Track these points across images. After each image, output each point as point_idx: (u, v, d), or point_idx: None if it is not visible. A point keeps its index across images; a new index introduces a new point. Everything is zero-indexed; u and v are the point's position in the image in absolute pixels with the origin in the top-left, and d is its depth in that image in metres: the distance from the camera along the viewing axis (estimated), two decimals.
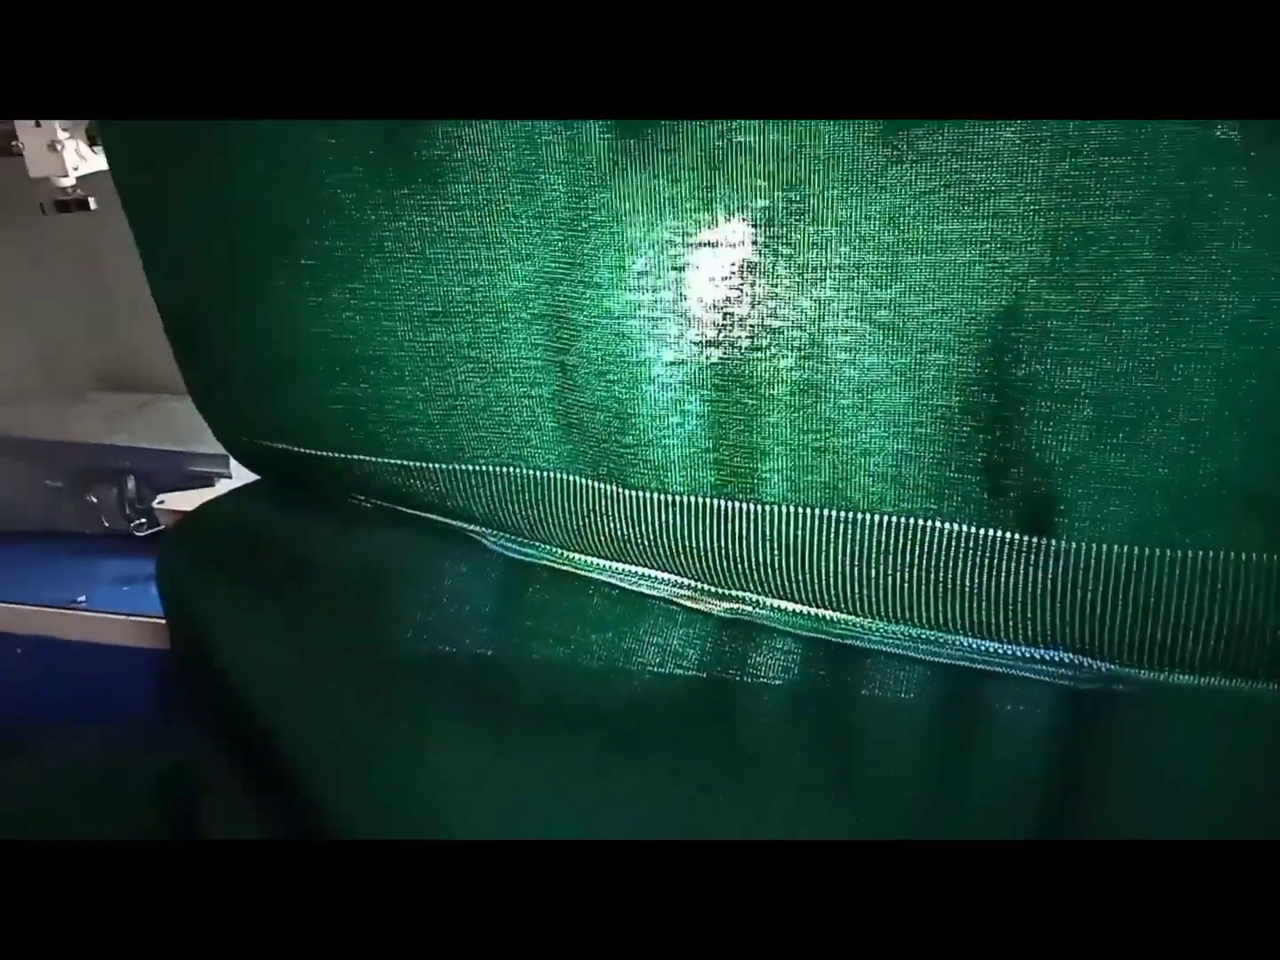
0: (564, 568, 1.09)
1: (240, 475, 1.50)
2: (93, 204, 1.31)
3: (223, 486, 1.55)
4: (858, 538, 0.90)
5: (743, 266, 0.93)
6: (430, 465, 1.09)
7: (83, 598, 1.32)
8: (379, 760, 1.03)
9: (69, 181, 1.29)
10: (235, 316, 1.06)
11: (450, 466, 1.08)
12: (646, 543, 1.01)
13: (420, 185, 0.98)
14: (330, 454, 1.10)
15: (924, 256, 0.88)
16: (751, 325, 0.95)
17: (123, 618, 1.30)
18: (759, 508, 0.94)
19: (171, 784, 1.02)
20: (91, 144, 1.28)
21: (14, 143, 1.26)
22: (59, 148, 1.26)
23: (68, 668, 1.28)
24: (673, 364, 0.98)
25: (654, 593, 1.04)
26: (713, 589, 1.01)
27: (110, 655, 1.29)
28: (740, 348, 0.95)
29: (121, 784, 1.11)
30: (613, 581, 1.06)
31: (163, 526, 1.48)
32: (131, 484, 1.63)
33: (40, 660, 1.30)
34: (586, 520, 1.03)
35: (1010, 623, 0.87)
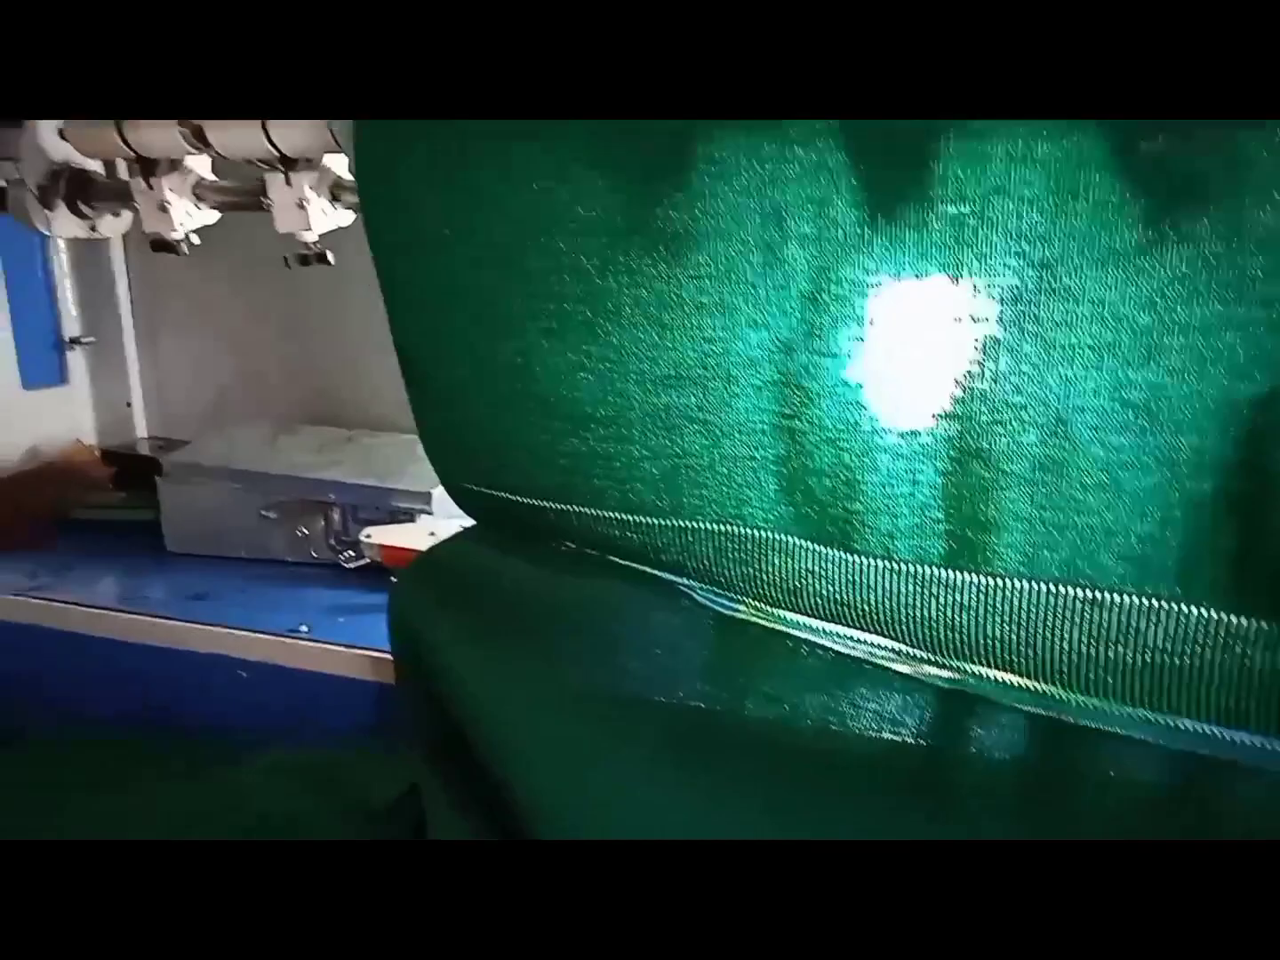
0: (776, 626, 1.10)
1: (439, 511, 1.57)
2: (331, 259, 1.39)
3: (423, 522, 1.63)
4: (1096, 617, 0.89)
5: (987, 342, 0.94)
6: (650, 520, 1.12)
7: (305, 628, 1.39)
8: (592, 801, 1.06)
9: (312, 237, 1.38)
10: (473, 368, 1.11)
11: (670, 522, 1.11)
12: (868, 608, 1.02)
13: (663, 254, 1.02)
14: (553, 504, 1.14)
15: (1182, 339, 0.87)
16: (993, 400, 0.95)
17: (343, 649, 1.36)
18: (991, 580, 0.94)
19: (395, 813, 1.07)
20: (333, 200, 1.37)
21: (263, 199, 1.35)
22: (305, 205, 1.35)
23: (289, 691, 1.35)
24: (908, 434, 1.00)
25: (870, 657, 1.05)
26: (934, 658, 1.01)
27: (328, 683, 1.35)
28: (980, 421, 0.96)
29: (340, 808, 1.16)
30: (827, 644, 1.07)
31: (368, 559, 1.56)
32: (338, 516, 1.71)
33: (263, 684, 1.37)
34: (805, 581, 1.04)
35: (1259, 712, 0.85)
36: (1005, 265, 0.91)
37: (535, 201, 1.03)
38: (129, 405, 2.14)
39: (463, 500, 1.23)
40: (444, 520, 1.52)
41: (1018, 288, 0.91)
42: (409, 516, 1.65)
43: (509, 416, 1.12)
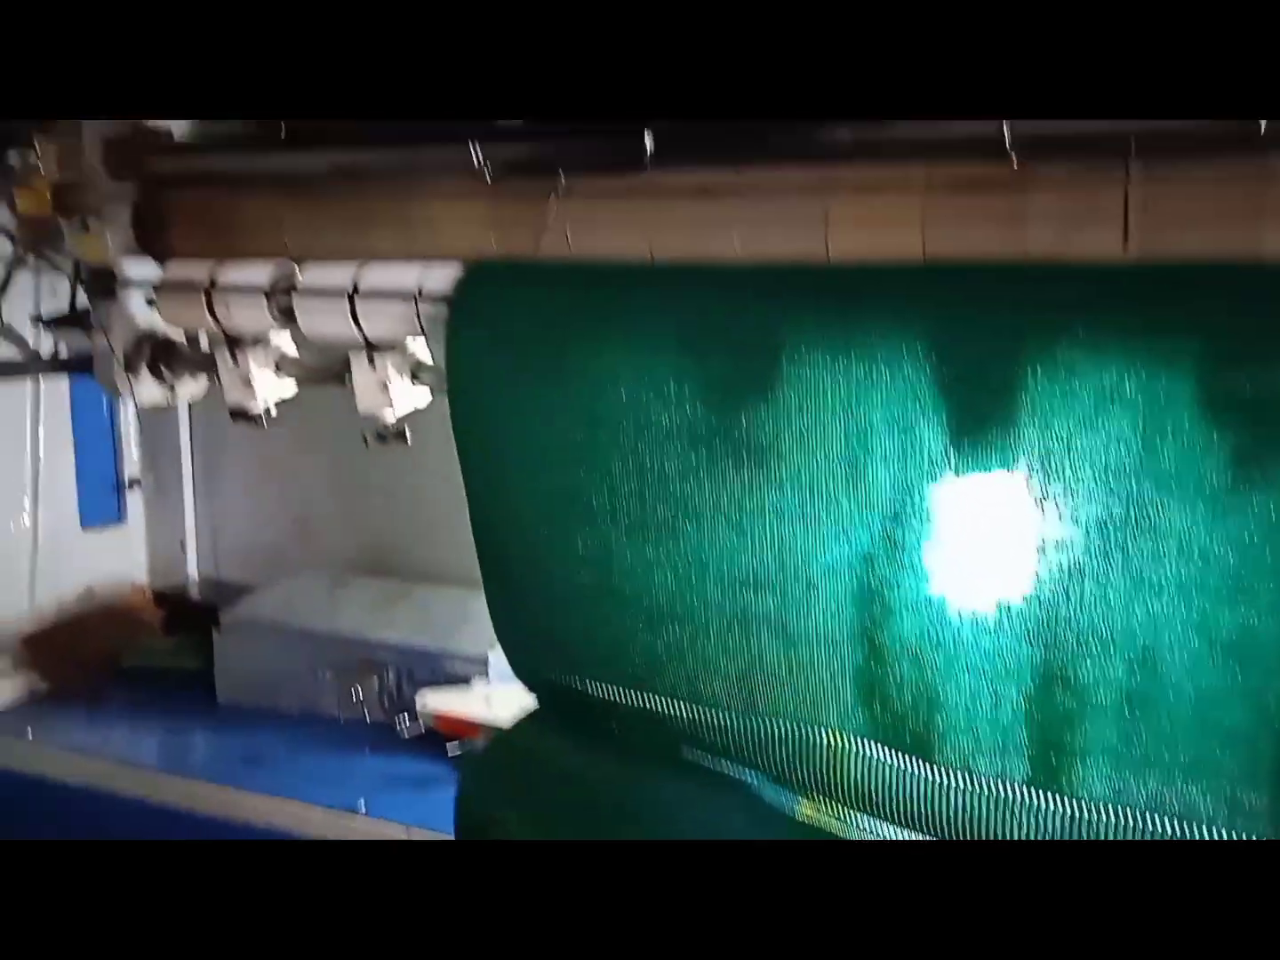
0: (841, 827, 1.09)
1: (495, 675, 1.56)
2: (409, 438, 1.41)
3: (478, 686, 1.61)
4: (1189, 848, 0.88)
5: (1073, 570, 0.94)
6: (722, 715, 1.11)
7: (363, 803, 1.36)
8: None
9: (391, 417, 1.40)
10: (552, 561, 1.12)
11: (742, 720, 1.10)
12: (944, 820, 1.00)
13: (745, 463, 1.04)
14: (625, 695, 1.13)
15: (1271, 581, 0.87)
16: (1079, 628, 0.95)
17: (400, 829, 1.33)
18: (1074, 804, 0.93)
19: None
20: (414, 379, 1.40)
21: (347, 376, 1.39)
22: (388, 386, 1.39)
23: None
24: (991, 654, 1.00)
25: None
26: None
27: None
28: (1066, 648, 0.96)
29: None
30: None
31: (424, 728, 1.54)
32: (393, 677, 1.71)
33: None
34: (880, 788, 1.03)
35: None
36: (1092, 497, 0.92)
37: (621, 405, 1.05)
38: (182, 546, 2.16)
39: (532, 684, 1.23)
40: (499, 685, 1.51)
41: (1104, 519, 0.92)
42: (464, 680, 1.65)
43: (585, 608, 1.13)
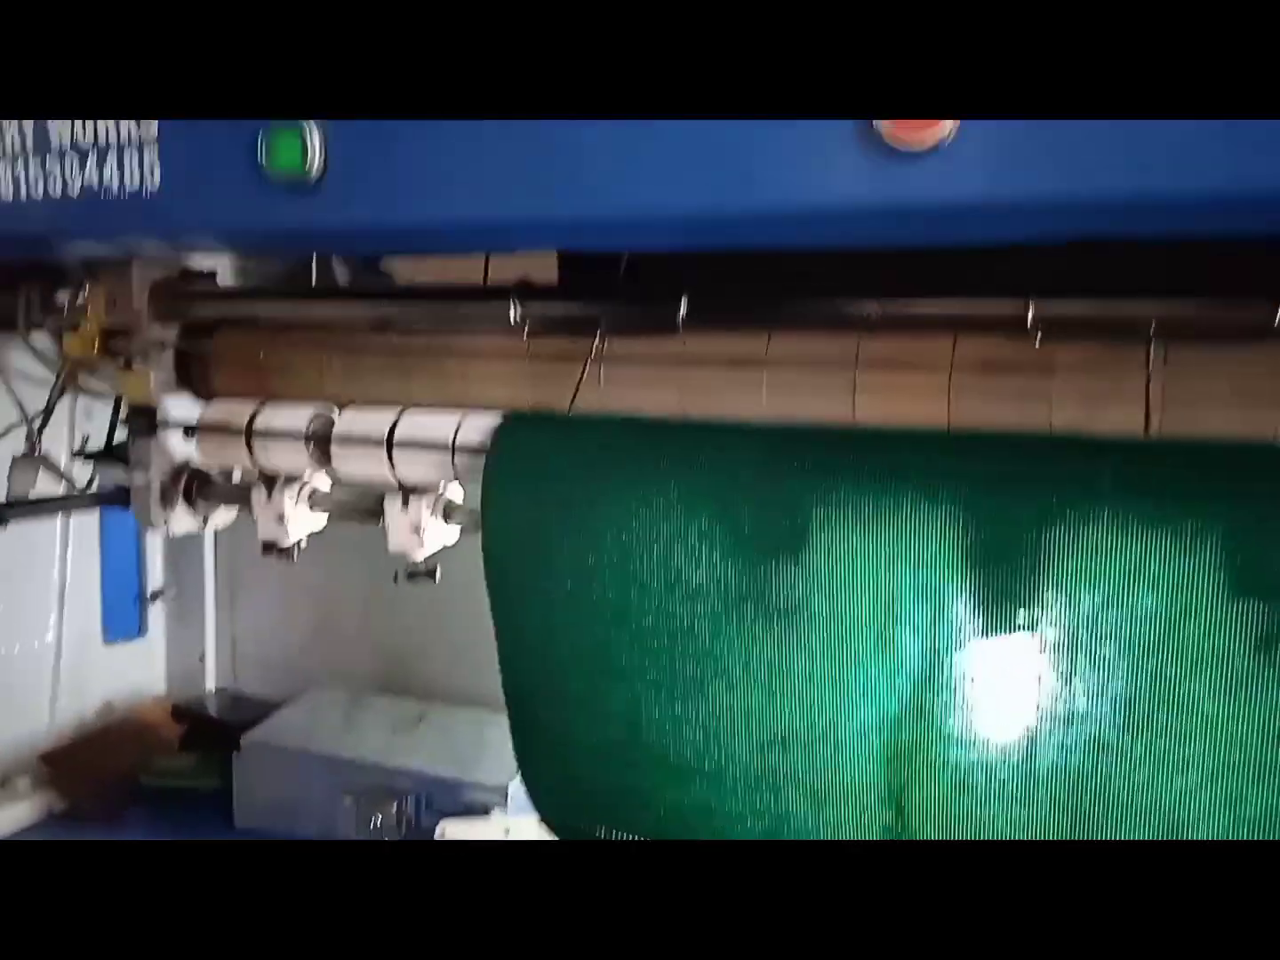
0: None
1: (514, 806, 1.56)
2: (438, 576, 1.44)
3: (497, 817, 1.61)
4: None
5: (1100, 744, 0.96)
6: None
7: None
8: None
9: (421, 557, 1.44)
10: (580, 712, 1.13)
11: None
12: None
13: (775, 624, 1.06)
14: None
15: None
16: (1106, 800, 0.96)
17: None
18: None
19: None
20: (446, 519, 1.43)
21: (380, 521, 1.42)
22: (420, 529, 1.42)
23: None
24: (1020, 825, 1.00)
25: None
26: None
27: None
28: (1093, 820, 0.97)
29: None
30: None
31: None
32: (412, 805, 1.71)
33: None
34: None
35: None
36: (1117, 672, 0.94)
37: (653, 564, 1.07)
38: (202, 659, 2.18)
39: (555, 828, 1.23)
40: (519, 816, 1.51)
41: (1130, 695, 0.94)
42: (484, 809, 1.64)
43: (612, 761, 1.14)
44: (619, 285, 1.13)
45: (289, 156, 0.89)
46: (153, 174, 0.97)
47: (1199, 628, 0.88)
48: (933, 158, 0.72)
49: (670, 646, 1.08)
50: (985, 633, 0.95)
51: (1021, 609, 0.94)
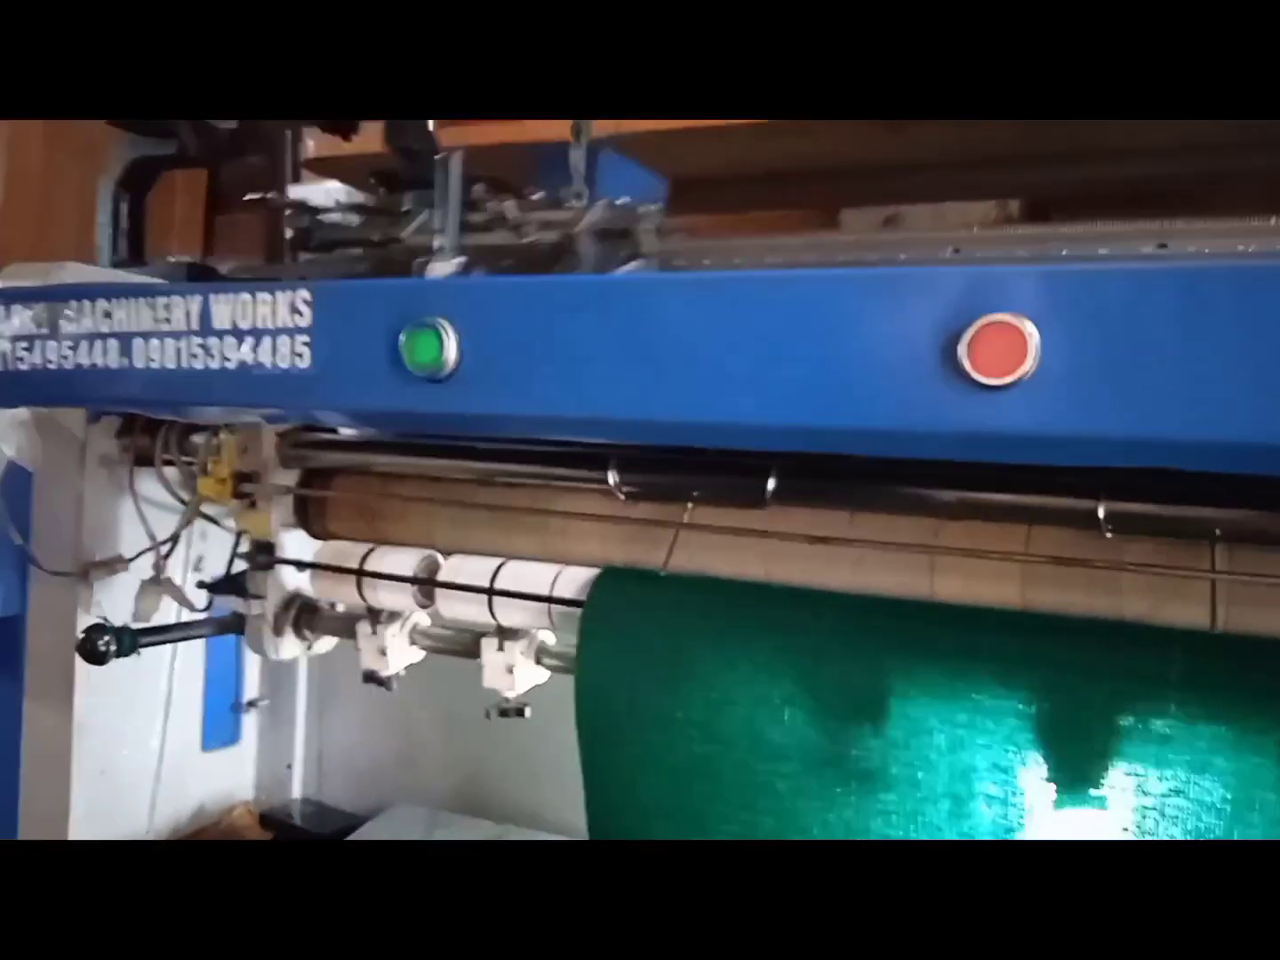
0: None
1: None
2: (528, 713, 1.53)
3: None
4: None
5: None
6: None
7: None
8: None
9: (514, 694, 1.52)
10: None
11: None
12: None
13: (854, 788, 1.11)
14: None
15: None
16: None
17: None
18: None
19: None
20: (538, 661, 1.52)
21: (474, 657, 1.52)
22: (513, 670, 1.51)
23: None
24: None
25: None
26: None
27: None
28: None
29: None
30: None
31: None
32: None
33: None
34: None
35: None
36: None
37: (738, 724, 1.14)
38: (289, 766, 2.27)
39: None
40: None
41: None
42: None
43: None
44: (713, 459, 1.22)
45: (427, 353, 1.00)
46: (302, 357, 1.09)
47: (1263, 820, 0.92)
48: (1012, 392, 0.81)
49: (750, 802, 1.14)
50: (1054, 811, 1.00)
51: (1089, 790, 0.99)
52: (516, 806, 1.90)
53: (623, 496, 1.24)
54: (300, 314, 1.10)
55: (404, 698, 2.14)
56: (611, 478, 1.23)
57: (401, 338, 1.02)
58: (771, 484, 1.16)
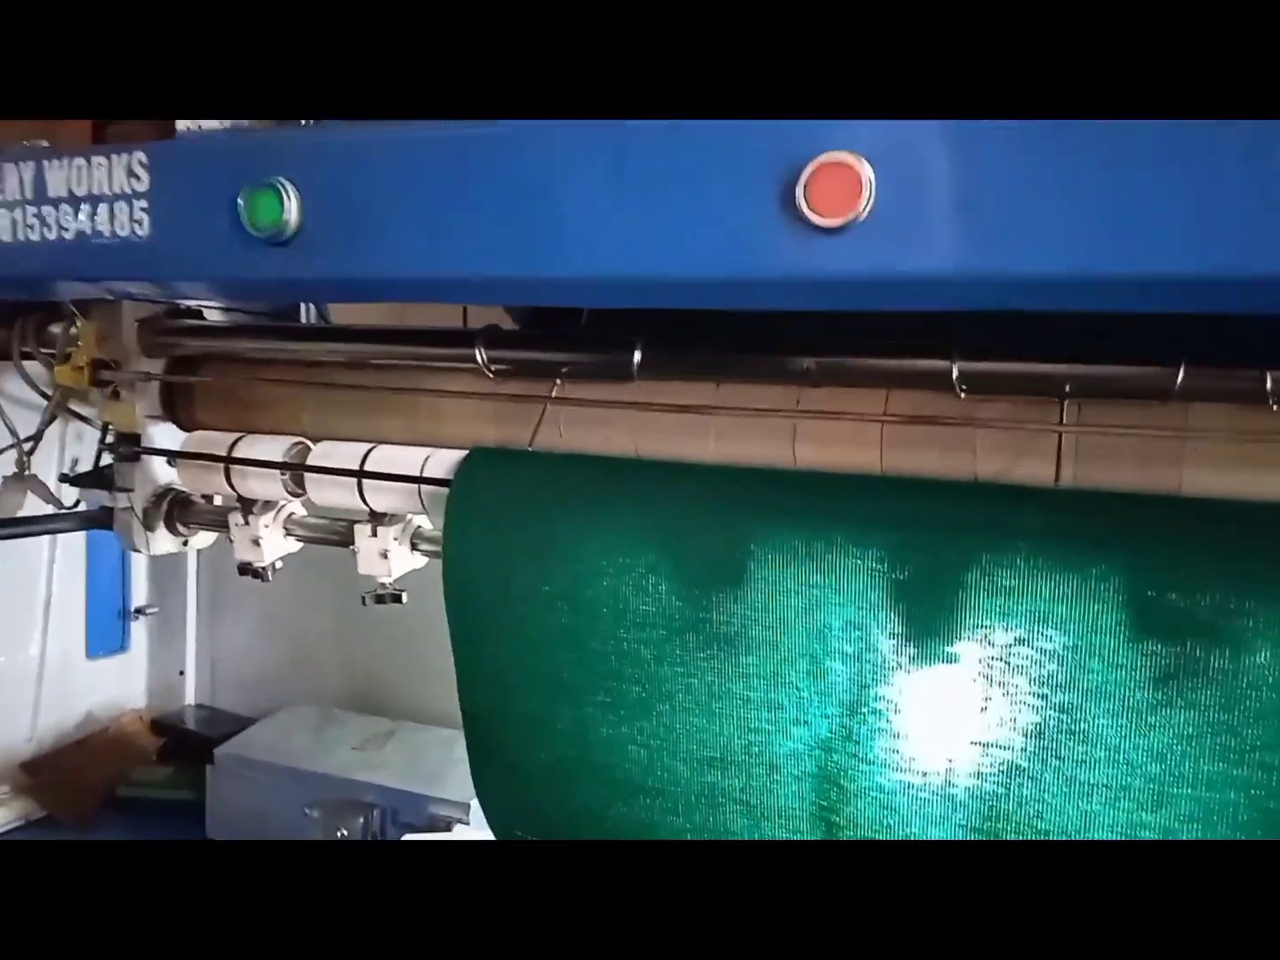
0: None
1: (475, 822, 1.61)
2: (404, 599, 1.52)
3: (459, 831, 1.67)
4: None
5: (1012, 769, 1.03)
6: None
7: None
8: None
9: (390, 580, 1.51)
10: (533, 732, 1.20)
11: None
12: None
13: (716, 652, 1.12)
14: None
15: (1190, 790, 0.96)
16: (1017, 822, 1.03)
17: None
18: None
19: None
20: (414, 547, 1.51)
21: (351, 546, 1.49)
22: (388, 555, 1.49)
23: None
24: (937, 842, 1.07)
25: None
26: None
27: None
28: (1003, 839, 1.04)
29: None
30: None
31: None
32: (377, 817, 1.77)
33: None
34: None
35: None
36: (1028, 704, 1.01)
37: (602, 593, 1.14)
38: (181, 673, 2.24)
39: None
40: (479, 831, 1.56)
41: (1040, 725, 1.01)
42: (447, 824, 1.71)
43: (563, 778, 1.20)
44: (580, 334, 1.20)
45: (268, 214, 0.96)
46: (141, 225, 1.05)
47: (1103, 664, 0.95)
48: (849, 233, 0.80)
49: (618, 671, 1.14)
50: (908, 665, 1.02)
51: (942, 644, 1.01)
52: (408, 702, 1.90)
53: (491, 374, 1.22)
54: (137, 178, 1.05)
55: (295, 600, 2.13)
56: (479, 355, 1.21)
57: (240, 199, 0.98)
58: (638, 357, 1.15)
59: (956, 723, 1.03)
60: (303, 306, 1.62)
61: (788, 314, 1.02)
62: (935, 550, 1.02)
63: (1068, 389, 1.02)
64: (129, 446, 1.43)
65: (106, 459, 1.50)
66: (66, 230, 1.08)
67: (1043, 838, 1.00)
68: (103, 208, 1.05)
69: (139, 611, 2.08)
